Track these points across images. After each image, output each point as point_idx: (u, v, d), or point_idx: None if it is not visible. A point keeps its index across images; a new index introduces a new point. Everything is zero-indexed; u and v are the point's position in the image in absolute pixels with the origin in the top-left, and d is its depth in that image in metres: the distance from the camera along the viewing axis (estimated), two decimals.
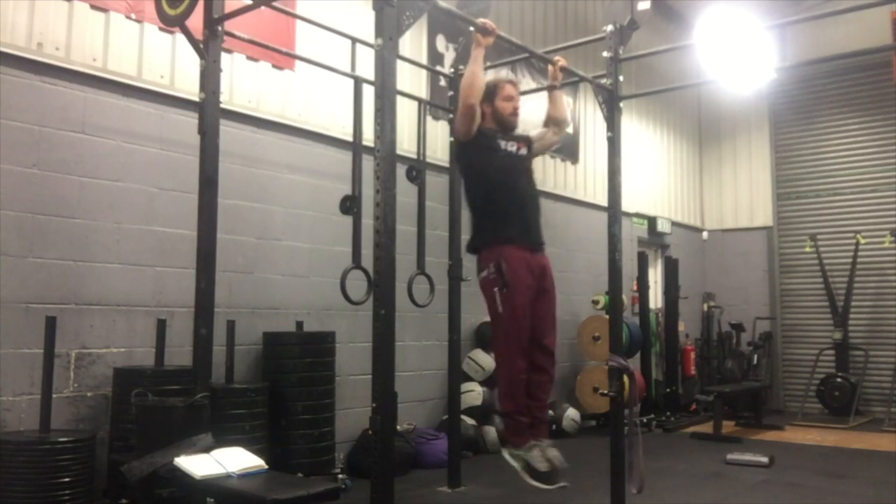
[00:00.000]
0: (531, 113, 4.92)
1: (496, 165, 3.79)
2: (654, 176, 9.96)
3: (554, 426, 7.07)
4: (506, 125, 3.89)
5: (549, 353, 3.76)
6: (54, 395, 3.90)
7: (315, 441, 4.82)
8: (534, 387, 3.70)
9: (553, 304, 3.85)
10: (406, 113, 5.51)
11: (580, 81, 5.13)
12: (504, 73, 6.84)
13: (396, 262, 2.98)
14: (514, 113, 3.92)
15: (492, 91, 3.88)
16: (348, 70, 4.63)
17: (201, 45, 3.87)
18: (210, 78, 3.86)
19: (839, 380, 8.97)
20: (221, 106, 3.96)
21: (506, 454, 3.68)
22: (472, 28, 3.83)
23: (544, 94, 4.41)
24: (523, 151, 3.93)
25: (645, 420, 7.78)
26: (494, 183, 3.77)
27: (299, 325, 5.19)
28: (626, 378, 4.23)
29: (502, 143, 3.84)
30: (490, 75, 4.32)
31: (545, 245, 3.88)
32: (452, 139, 3.95)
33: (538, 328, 3.71)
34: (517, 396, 3.63)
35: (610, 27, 4.47)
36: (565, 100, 5.45)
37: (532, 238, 3.79)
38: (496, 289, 3.60)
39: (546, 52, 4.68)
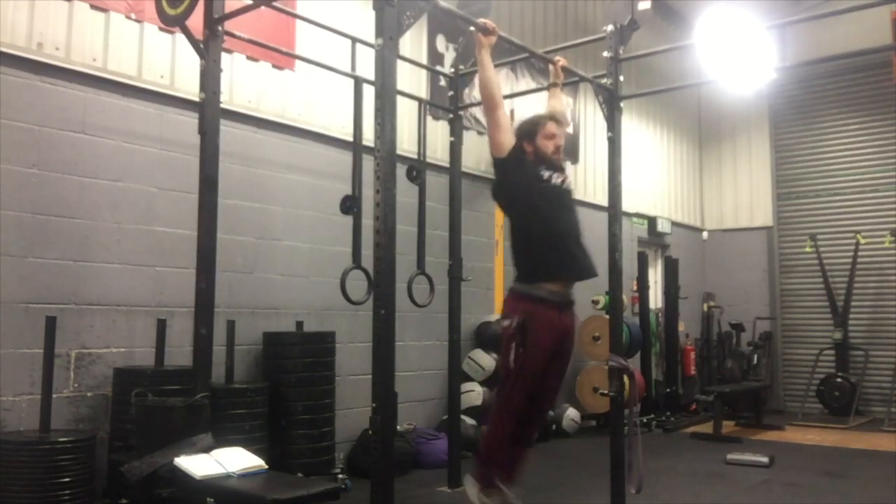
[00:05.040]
0: (529, 111, 4.91)
1: (540, 195, 3.61)
2: (654, 176, 9.95)
3: (554, 426, 7.08)
4: (549, 164, 3.70)
5: (544, 418, 3.72)
6: (54, 395, 3.89)
7: (315, 441, 4.82)
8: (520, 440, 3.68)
9: (565, 369, 3.77)
10: (406, 113, 5.51)
11: (580, 81, 5.14)
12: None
13: (396, 262, 2.98)
14: (557, 151, 3.74)
15: (532, 129, 3.74)
16: (348, 70, 4.63)
17: (201, 45, 3.87)
18: (210, 78, 3.86)
19: (839, 380, 8.96)
20: (221, 106, 3.96)
21: (469, 489, 3.61)
22: (472, 28, 3.83)
23: (543, 92, 4.43)
24: (567, 185, 3.77)
25: (645, 420, 7.77)
26: (537, 215, 3.59)
27: (299, 325, 5.19)
28: (626, 378, 4.23)
29: (545, 173, 3.65)
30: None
31: (574, 302, 3.72)
32: (492, 157, 3.76)
33: (542, 394, 3.66)
34: (498, 451, 3.59)
35: (610, 27, 4.48)
36: (565, 99, 5.45)
37: (566, 294, 3.63)
38: (513, 345, 3.49)
39: (546, 52, 4.69)
